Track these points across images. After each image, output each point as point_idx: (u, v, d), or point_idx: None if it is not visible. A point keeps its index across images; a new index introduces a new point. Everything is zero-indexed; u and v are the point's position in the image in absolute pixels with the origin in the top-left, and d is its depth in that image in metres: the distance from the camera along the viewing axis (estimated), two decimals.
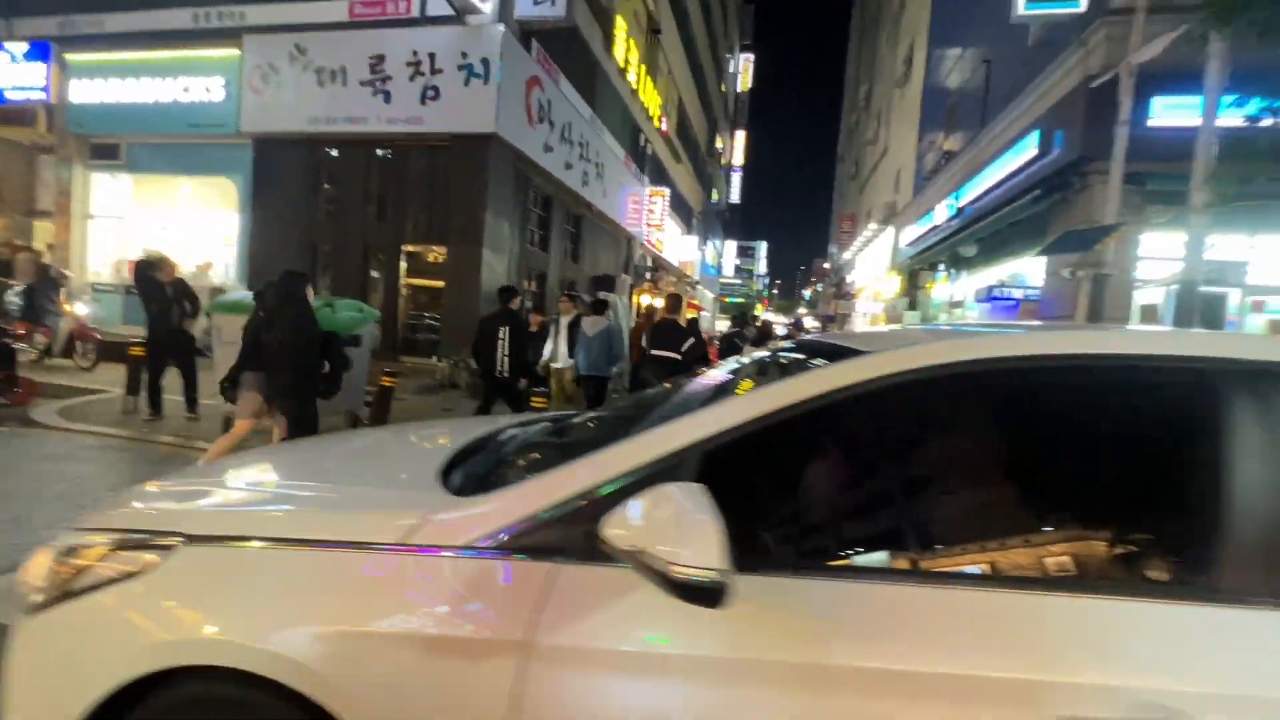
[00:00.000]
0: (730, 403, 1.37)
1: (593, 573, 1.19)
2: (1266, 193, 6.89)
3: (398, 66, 10.12)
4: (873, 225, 21.46)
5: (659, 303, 23.77)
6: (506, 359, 5.98)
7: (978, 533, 1.26)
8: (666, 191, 20.14)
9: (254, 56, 10.84)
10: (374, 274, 11.20)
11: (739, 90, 49.39)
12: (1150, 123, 7.39)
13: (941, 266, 15.97)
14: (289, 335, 4.20)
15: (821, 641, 1.12)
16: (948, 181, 14.28)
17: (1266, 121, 5.65)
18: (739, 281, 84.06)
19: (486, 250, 10.27)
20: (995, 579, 1.20)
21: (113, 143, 12.16)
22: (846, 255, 28.93)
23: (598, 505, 1.20)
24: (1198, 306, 5.90)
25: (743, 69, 48.82)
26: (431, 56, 9.96)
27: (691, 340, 6.54)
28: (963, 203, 12.22)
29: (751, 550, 1.21)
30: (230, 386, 4.42)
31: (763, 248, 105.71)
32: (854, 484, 1.46)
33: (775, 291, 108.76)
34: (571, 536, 1.21)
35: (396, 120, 10.18)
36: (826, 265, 44.95)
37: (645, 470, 1.24)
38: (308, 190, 11.18)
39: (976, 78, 13.19)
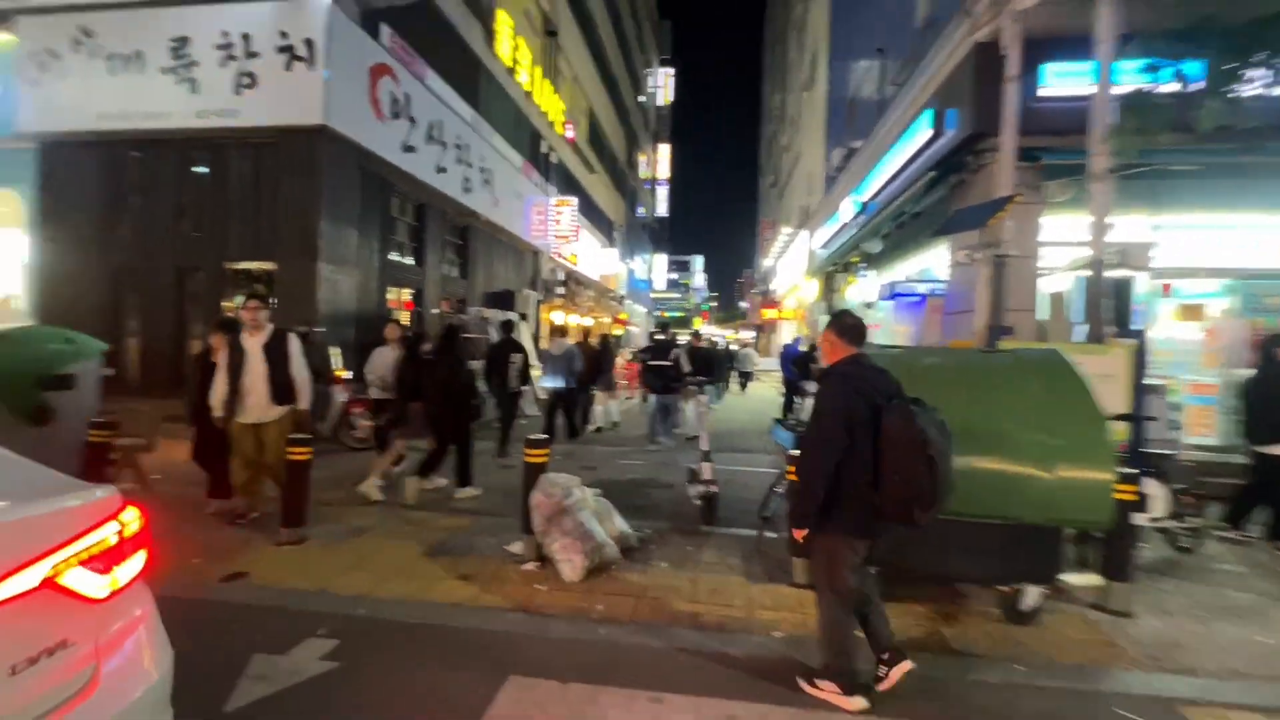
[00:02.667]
0: None
1: None
2: (1167, 162, 6.29)
3: (206, 50, 8.52)
4: (787, 230, 20.94)
5: (583, 320, 22.59)
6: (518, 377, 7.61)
7: None
8: (574, 201, 18.96)
9: (30, 42, 8.99)
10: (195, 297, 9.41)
11: (660, 104, 49.23)
12: (1043, 91, 6.72)
13: (855, 266, 15.42)
14: (450, 377, 5.57)
15: None
16: (850, 179, 13.70)
17: (1167, 87, 4.98)
18: (676, 295, 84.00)
19: (324, 264, 8.71)
20: None
21: None
22: (768, 262, 28.54)
23: None
24: (1107, 291, 5.11)
25: (664, 83, 48.72)
26: (245, 38, 8.41)
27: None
28: (865, 197, 11.55)
29: None
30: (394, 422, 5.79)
31: (699, 261, 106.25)
32: None
33: (715, 304, 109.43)
34: None
35: (207, 113, 8.55)
36: (754, 275, 44.96)
37: None
38: (108, 202, 9.32)
39: (872, 71, 12.69)
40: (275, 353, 4.46)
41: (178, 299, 9.25)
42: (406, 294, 11.66)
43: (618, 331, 35.01)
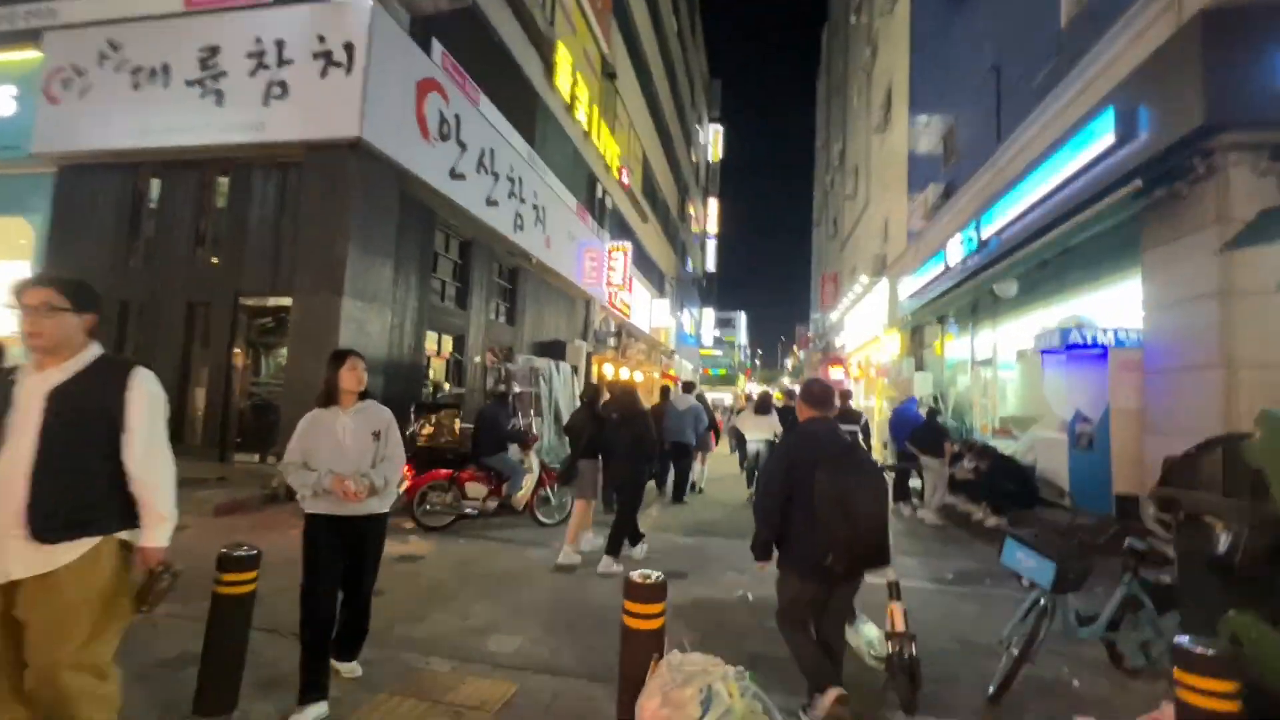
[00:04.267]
0: None
1: None
2: None
3: (236, 59, 7.51)
4: (862, 279, 19.07)
5: (630, 374, 20.95)
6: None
7: None
8: (629, 246, 17.67)
9: (56, 58, 8.21)
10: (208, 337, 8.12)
11: (710, 160, 49.04)
12: None
13: (952, 319, 13.37)
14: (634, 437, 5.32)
15: None
16: (956, 217, 11.87)
17: None
18: (719, 353, 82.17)
19: (350, 300, 7.30)
20: None
21: None
22: (834, 316, 26.57)
23: None
24: None
25: (713, 139, 48.67)
26: (279, 44, 7.38)
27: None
28: (987, 234, 9.67)
29: None
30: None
31: (742, 318, 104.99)
32: None
33: (758, 362, 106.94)
34: None
35: (231, 127, 7.46)
36: (809, 333, 42.87)
37: None
38: (121, 230, 8.28)
39: (981, 94, 11.08)
40: (80, 405, 1.93)
41: (186, 336, 7.97)
42: (447, 340, 10.23)
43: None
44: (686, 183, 37.23)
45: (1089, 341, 6.39)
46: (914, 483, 9.16)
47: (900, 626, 3.00)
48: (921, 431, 8.66)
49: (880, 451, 14.68)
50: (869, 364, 21.63)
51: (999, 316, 10.74)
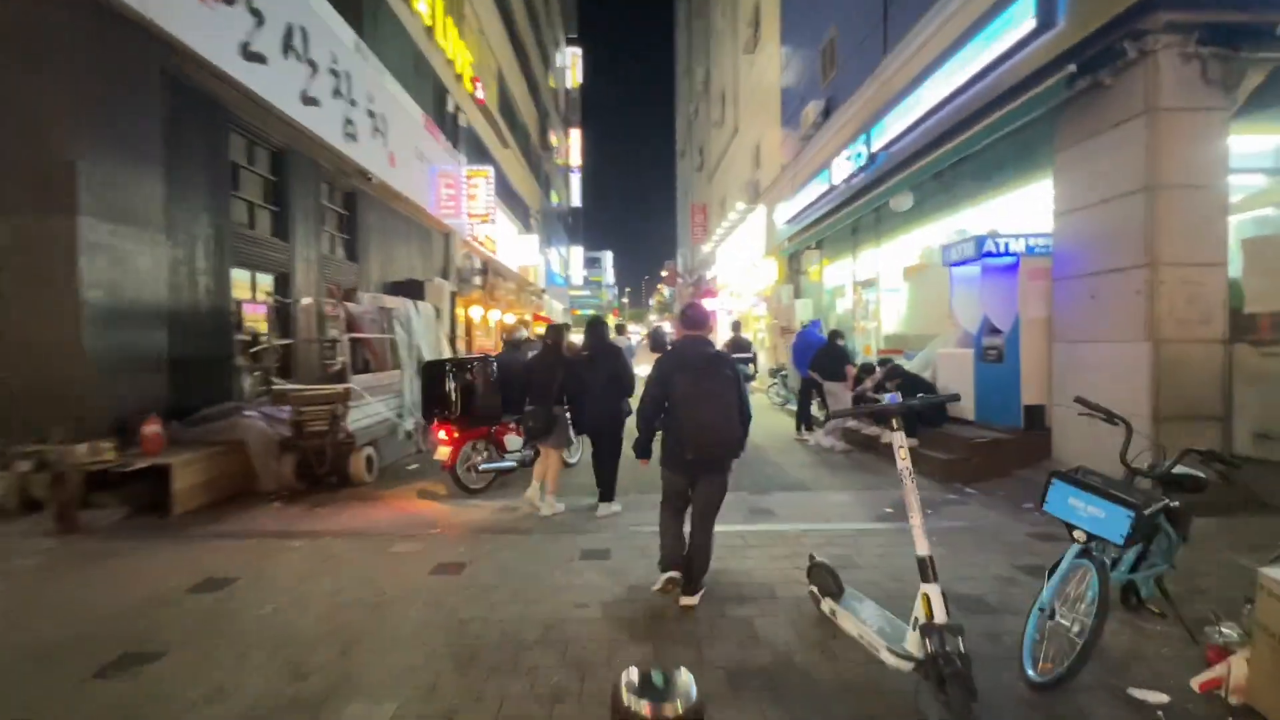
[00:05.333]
0: None
1: None
2: None
3: None
4: (738, 207, 18.64)
5: (505, 317, 19.14)
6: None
7: None
8: (490, 171, 15.57)
9: None
10: None
11: (569, 86, 45.98)
12: None
13: (832, 241, 13.24)
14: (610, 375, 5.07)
15: None
16: (840, 133, 11.47)
17: None
18: (587, 292, 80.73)
19: (90, 221, 5.09)
20: None
21: None
22: (706, 248, 26.33)
23: None
24: None
25: (571, 63, 45.49)
26: None
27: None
28: (878, 145, 9.28)
29: None
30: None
31: (609, 257, 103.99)
32: None
33: (625, 301, 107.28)
34: None
35: None
36: (678, 267, 42.89)
37: None
38: None
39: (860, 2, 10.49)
40: None
41: None
42: (266, 280, 8.02)
43: (539, 329, 31.68)
44: (547, 109, 34.46)
45: (1001, 250, 6.09)
46: (820, 413, 8.86)
47: (940, 616, 2.19)
48: (823, 355, 8.27)
49: (764, 381, 14.68)
50: (744, 293, 21.69)
51: (882, 236, 10.62)
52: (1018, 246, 6.07)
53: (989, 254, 6.08)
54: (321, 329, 7.63)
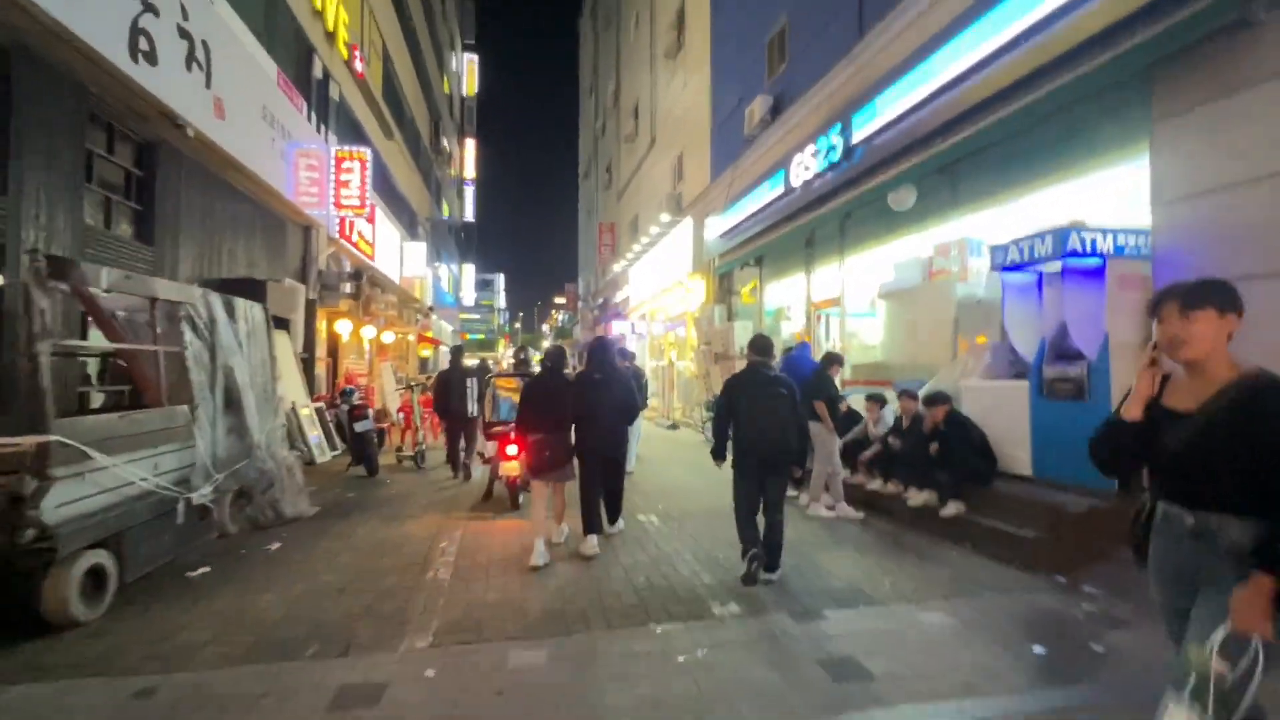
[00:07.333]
0: None
1: None
2: None
3: None
4: (663, 219, 16.89)
5: (378, 333, 15.68)
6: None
7: None
8: (367, 154, 12.59)
9: None
10: None
11: (464, 94, 42.98)
12: None
13: (774, 256, 11.76)
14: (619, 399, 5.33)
15: None
16: (796, 129, 10.01)
17: None
18: (478, 316, 76.03)
19: None
20: None
21: None
22: (616, 268, 24.43)
23: None
24: None
25: (467, 69, 42.64)
26: None
27: None
28: (861, 137, 7.77)
29: None
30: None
31: (501, 280, 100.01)
32: None
33: (518, 326, 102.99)
34: None
35: None
36: (578, 290, 40.71)
37: None
38: None
39: None
40: None
41: None
42: None
43: (425, 352, 27.90)
44: (440, 111, 31.33)
45: (1086, 249, 4.55)
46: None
47: None
48: (811, 388, 6.31)
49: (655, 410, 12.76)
50: (658, 315, 19.91)
51: (847, 249, 9.14)
52: (1104, 245, 4.56)
53: (1072, 253, 4.50)
54: (35, 333, 4.49)
